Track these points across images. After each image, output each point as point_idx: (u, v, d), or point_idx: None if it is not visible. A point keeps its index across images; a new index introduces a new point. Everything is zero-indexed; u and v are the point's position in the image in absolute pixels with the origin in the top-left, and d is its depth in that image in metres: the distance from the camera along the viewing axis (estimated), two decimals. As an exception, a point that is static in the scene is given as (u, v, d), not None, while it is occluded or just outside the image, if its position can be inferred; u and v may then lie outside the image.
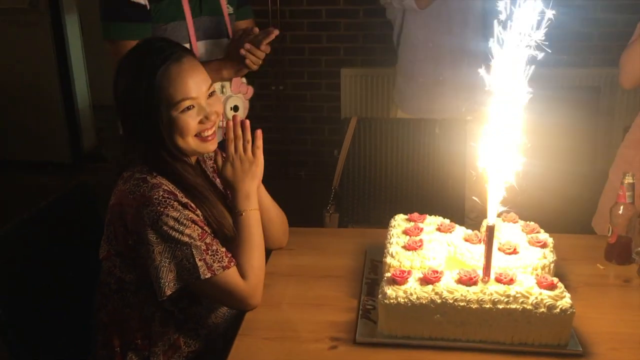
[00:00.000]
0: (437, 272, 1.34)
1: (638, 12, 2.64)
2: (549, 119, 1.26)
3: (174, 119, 1.43)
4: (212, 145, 1.51)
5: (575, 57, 3.84)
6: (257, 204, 1.53)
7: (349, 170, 2.48)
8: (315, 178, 4.27)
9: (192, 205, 1.44)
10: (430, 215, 1.66)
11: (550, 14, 1.15)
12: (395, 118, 2.79)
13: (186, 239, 1.38)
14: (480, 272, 1.34)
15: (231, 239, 1.50)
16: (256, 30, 1.96)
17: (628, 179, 1.62)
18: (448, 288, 1.30)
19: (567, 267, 1.60)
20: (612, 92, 3.83)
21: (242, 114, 2.10)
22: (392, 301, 1.30)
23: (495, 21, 1.18)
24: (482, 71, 1.21)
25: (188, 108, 1.44)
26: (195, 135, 1.47)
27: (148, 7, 1.91)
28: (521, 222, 1.61)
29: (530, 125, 1.25)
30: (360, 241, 1.80)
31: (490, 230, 1.32)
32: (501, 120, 1.24)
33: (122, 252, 1.45)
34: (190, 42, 1.98)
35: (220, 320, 1.55)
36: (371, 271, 1.62)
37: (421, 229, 1.57)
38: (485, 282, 1.33)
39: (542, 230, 1.57)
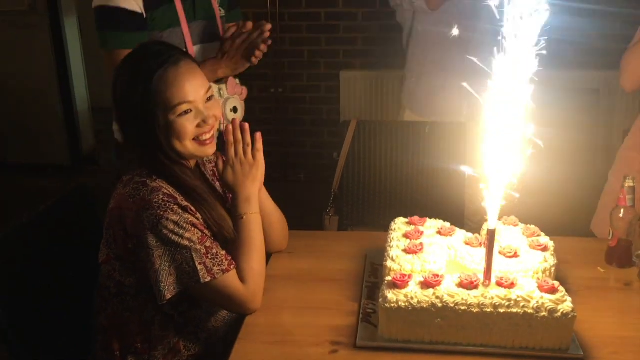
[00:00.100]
0: (437, 275, 1.33)
1: (638, 13, 2.64)
2: (548, 120, 1.26)
3: (171, 123, 1.43)
4: (210, 149, 1.51)
5: (574, 60, 3.85)
6: (258, 207, 1.53)
7: (349, 173, 2.47)
8: (315, 181, 4.26)
9: (192, 208, 1.44)
10: (430, 218, 1.66)
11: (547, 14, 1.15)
12: (395, 120, 2.79)
13: (186, 242, 1.37)
14: (481, 276, 1.34)
15: (231, 242, 1.50)
16: (249, 25, 1.96)
17: (629, 182, 1.62)
18: (449, 292, 1.30)
19: (567, 270, 1.60)
20: (611, 94, 3.83)
21: (240, 115, 2.10)
22: (392, 305, 1.30)
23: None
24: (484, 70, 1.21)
25: (186, 112, 1.44)
26: (194, 139, 1.47)
27: (144, 15, 1.90)
28: (521, 226, 1.61)
29: (530, 124, 1.24)
30: (361, 244, 1.79)
31: (491, 234, 1.32)
32: (502, 123, 1.24)
33: (122, 256, 1.44)
34: (186, 48, 1.98)
35: (220, 324, 1.55)
36: (371, 275, 1.61)
37: (422, 233, 1.57)
38: (486, 286, 1.32)
39: (542, 234, 1.57)
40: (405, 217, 1.67)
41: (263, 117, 4.26)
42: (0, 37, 4.58)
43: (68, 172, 4.71)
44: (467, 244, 1.51)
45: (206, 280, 1.37)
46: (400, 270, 1.42)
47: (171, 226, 1.36)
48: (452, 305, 1.28)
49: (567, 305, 1.28)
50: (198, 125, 1.46)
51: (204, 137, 1.48)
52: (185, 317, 1.50)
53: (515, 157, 1.25)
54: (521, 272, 1.41)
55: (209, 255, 1.39)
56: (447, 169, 2.36)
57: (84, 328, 1.57)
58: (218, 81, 2.03)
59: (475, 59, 1.19)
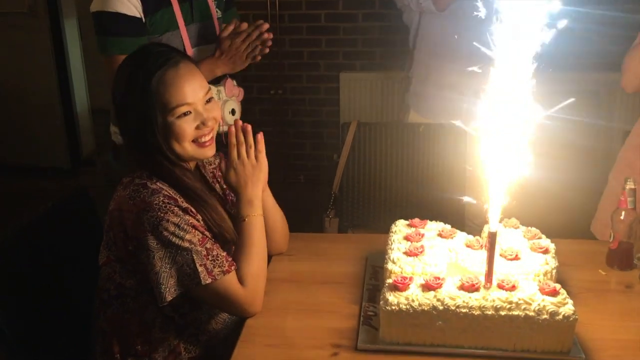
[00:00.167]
0: (438, 278, 1.33)
1: (638, 14, 2.64)
2: (548, 122, 1.26)
3: (170, 125, 1.43)
4: (210, 151, 1.51)
5: (574, 61, 3.84)
6: (261, 209, 1.53)
7: (349, 175, 2.47)
8: (314, 182, 4.26)
9: (193, 210, 1.43)
10: (430, 220, 1.65)
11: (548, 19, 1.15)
12: (395, 122, 2.78)
13: (187, 244, 1.37)
14: (482, 279, 1.34)
15: (232, 242, 1.49)
16: (244, 25, 1.96)
17: (629, 185, 1.62)
18: (450, 294, 1.29)
19: (568, 272, 1.60)
20: (612, 96, 3.82)
21: (237, 117, 2.10)
22: (393, 308, 1.29)
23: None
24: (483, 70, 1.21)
25: (185, 114, 1.43)
26: (193, 141, 1.46)
27: (143, 20, 1.90)
28: (522, 228, 1.61)
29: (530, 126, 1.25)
30: (361, 247, 1.79)
31: (493, 236, 1.31)
32: (502, 123, 1.24)
33: (122, 258, 1.44)
34: (185, 50, 1.98)
35: (220, 327, 1.55)
36: (372, 277, 1.61)
37: (422, 235, 1.56)
38: (487, 288, 1.32)
39: (543, 236, 1.56)
40: (406, 219, 1.67)
41: (263, 118, 4.25)
42: (0, 39, 4.58)
43: (68, 174, 4.70)
44: (468, 246, 1.51)
45: (207, 282, 1.37)
46: (401, 272, 1.41)
47: (172, 228, 1.36)
48: (453, 308, 1.28)
49: (568, 308, 1.27)
50: (197, 127, 1.45)
51: (203, 139, 1.47)
52: (186, 319, 1.49)
53: (516, 161, 1.25)
54: (522, 274, 1.40)
55: (209, 256, 1.38)
56: (447, 171, 2.35)
57: (83, 328, 1.57)
58: (216, 83, 2.04)
59: (483, 56, 1.19)
